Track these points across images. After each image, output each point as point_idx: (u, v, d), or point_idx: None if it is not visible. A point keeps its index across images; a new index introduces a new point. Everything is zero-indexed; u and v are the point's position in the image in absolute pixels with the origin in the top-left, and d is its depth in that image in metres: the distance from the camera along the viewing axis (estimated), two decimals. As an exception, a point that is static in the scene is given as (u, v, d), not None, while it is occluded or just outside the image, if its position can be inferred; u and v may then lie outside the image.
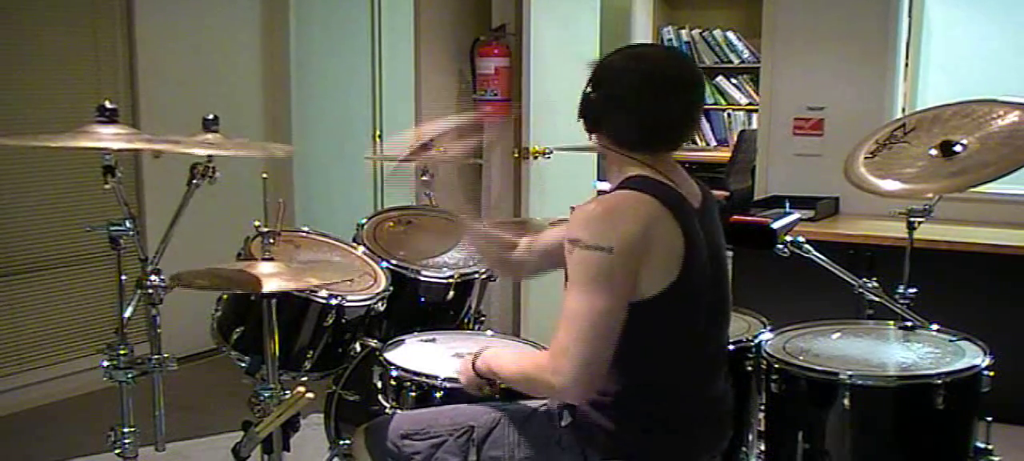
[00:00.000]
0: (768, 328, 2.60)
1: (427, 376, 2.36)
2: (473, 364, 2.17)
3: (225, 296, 2.66)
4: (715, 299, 2.06)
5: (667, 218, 1.90)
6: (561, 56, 4.63)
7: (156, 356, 2.37)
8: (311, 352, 2.64)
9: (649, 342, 1.95)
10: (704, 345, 2.07)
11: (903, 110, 4.63)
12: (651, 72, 2.00)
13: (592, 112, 2.02)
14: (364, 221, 3.09)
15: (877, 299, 2.64)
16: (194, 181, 2.45)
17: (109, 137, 2.21)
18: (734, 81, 6.94)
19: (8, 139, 2.24)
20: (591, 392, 1.93)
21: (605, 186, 2.11)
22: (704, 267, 1.97)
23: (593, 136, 2.05)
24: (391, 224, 3.17)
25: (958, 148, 2.60)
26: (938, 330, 2.55)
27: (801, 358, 2.39)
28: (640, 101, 1.98)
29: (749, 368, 2.50)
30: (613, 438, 1.98)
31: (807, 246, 2.66)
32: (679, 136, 2.05)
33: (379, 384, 2.45)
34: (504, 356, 2.13)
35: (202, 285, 2.24)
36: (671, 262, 1.90)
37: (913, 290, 2.68)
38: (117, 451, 2.39)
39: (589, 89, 2.01)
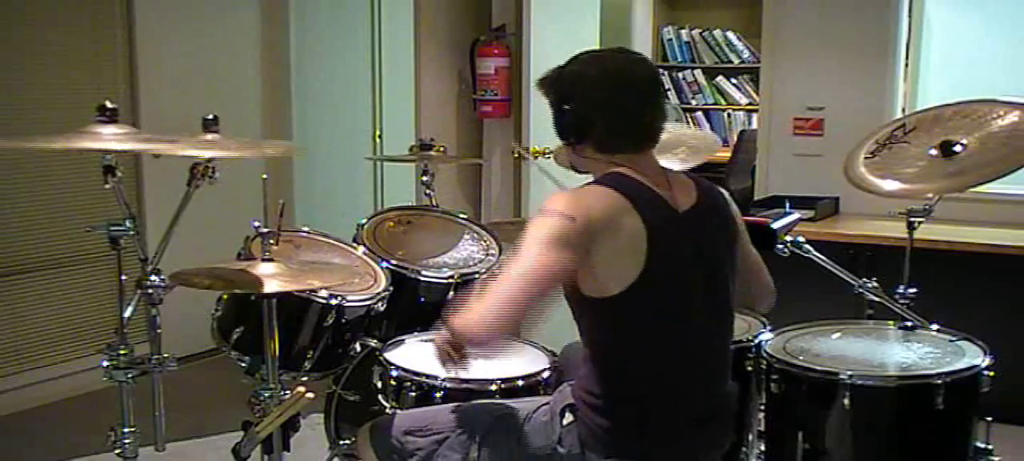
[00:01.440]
0: (768, 328, 2.60)
1: (427, 376, 2.36)
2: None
3: (225, 296, 2.66)
4: (712, 297, 2.06)
5: (631, 212, 1.92)
6: (561, 56, 4.61)
7: (156, 356, 2.37)
8: (311, 352, 2.64)
9: (628, 342, 1.98)
10: (700, 343, 2.07)
11: (903, 110, 4.62)
12: (618, 71, 2.05)
13: (573, 126, 2.04)
14: (364, 221, 3.09)
15: (877, 299, 2.64)
16: (194, 181, 2.45)
17: (109, 137, 2.21)
18: (734, 81, 6.94)
19: (7, 142, 2.24)
20: (481, 337, 1.94)
21: None
22: (682, 266, 1.98)
23: (576, 150, 2.07)
24: (391, 224, 3.17)
25: (958, 148, 2.60)
26: (938, 330, 2.55)
27: (801, 358, 2.39)
28: (616, 101, 2.02)
29: (749, 368, 2.50)
30: (613, 438, 1.98)
31: (807, 246, 2.66)
32: (657, 130, 2.07)
33: (379, 384, 2.46)
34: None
35: (202, 284, 2.24)
36: (635, 257, 1.92)
37: (913, 290, 2.68)
38: (117, 451, 2.39)
39: (563, 105, 2.03)
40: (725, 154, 6.38)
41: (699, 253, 2.03)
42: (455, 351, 2.09)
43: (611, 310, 1.93)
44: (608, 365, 1.99)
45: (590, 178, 2.07)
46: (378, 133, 5.93)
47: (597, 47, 5.09)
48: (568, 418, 2.04)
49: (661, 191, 2.00)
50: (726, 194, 2.18)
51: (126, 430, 2.38)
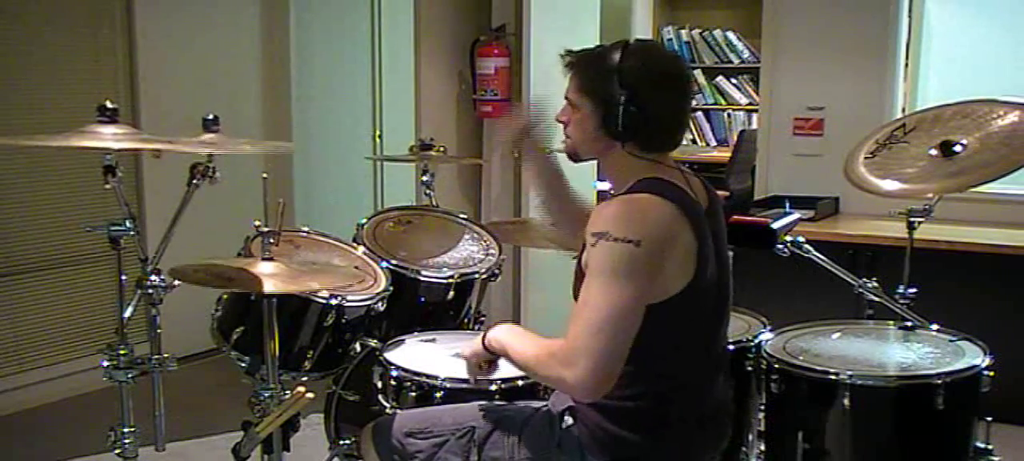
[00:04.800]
0: (768, 328, 2.60)
1: (427, 376, 2.36)
2: (483, 337, 2.13)
3: (225, 296, 2.66)
4: (719, 300, 2.07)
5: (683, 219, 1.90)
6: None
7: (156, 356, 2.37)
8: (311, 352, 2.64)
9: (662, 344, 1.95)
10: (707, 343, 2.07)
11: (903, 110, 4.62)
12: (674, 70, 2.01)
13: (630, 124, 1.94)
14: (364, 221, 3.09)
15: (877, 299, 2.64)
16: (194, 181, 2.45)
17: (109, 137, 2.21)
18: (734, 81, 6.94)
19: (6, 139, 2.23)
20: (603, 389, 1.87)
21: (604, 186, 2.10)
22: (712, 268, 1.98)
23: (625, 146, 1.98)
24: (391, 224, 3.17)
25: (958, 148, 2.60)
26: (938, 330, 2.55)
27: (801, 358, 2.39)
28: (672, 100, 1.99)
29: (749, 368, 2.50)
30: (614, 440, 1.98)
31: (807, 246, 2.66)
32: (683, 132, 2.06)
33: (379, 384, 2.45)
34: (518, 334, 2.06)
35: (201, 279, 2.23)
36: (688, 263, 1.90)
37: (913, 290, 2.68)
38: (117, 451, 2.39)
39: (625, 99, 1.93)
40: (725, 154, 6.39)
41: (718, 253, 2.03)
42: (487, 364, 2.12)
43: (651, 316, 1.89)
44: (625, 367, 1.97)
45: (585, 169, 2.06)
46: (378, 133, 5.93)
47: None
48: (568, 420, 2.04)
49: (690, 192, 1.99)
50: (715, 193, 2.17)
51: (126, 430, 2.38)
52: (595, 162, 2.14)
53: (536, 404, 2.15)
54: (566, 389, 1.93)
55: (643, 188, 1.92)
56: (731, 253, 2.13)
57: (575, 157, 2.09)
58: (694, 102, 7.03)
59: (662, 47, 2.11)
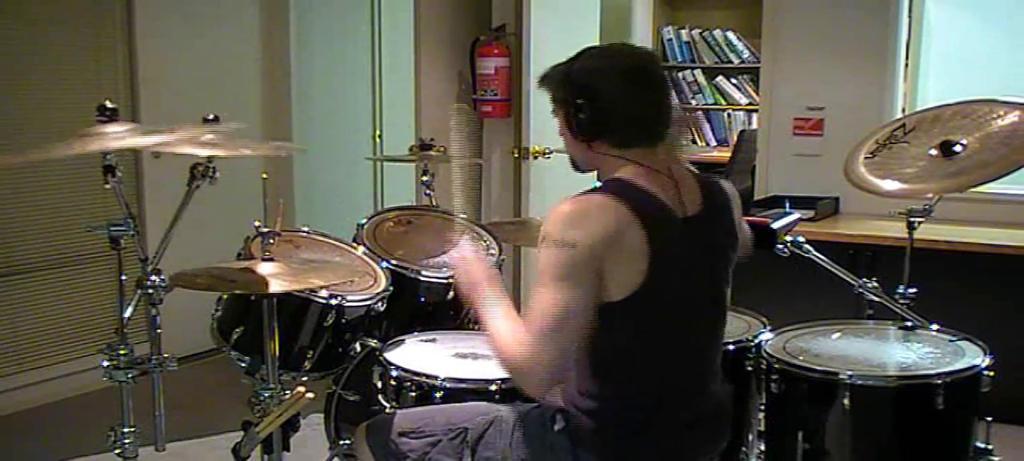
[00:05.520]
0: (768, 328, 2.60)
1: (427, 376, 2.36)
2: (480, 282, 2.12)
3: (225, 296, 2.66)
4: (708, 300, 2.06)
5: (634, 224, 1.89)
6: (561, 56, 4.61)
7: (156, 356, 2.37)
8: (311, 352, 2.64)
9: (624, 345, 1.97)
10: (694, 346, 2.07)
11: (903, 110, 4.62)
12: (632, 65, 2.02)
13: (589, 123, 1.99)
14: (364, 221, 3.09)
15: (877, 299, 2.64)
16: (194, 181, 2.45)
17: (108, 137, 2.21)
18: (734, 81, 6.93)
19: (8, 157, 2.21)
20: (552, 387, 1.97)
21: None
22: (682, 273, 1.97)
23: (592, 147, 2.02)
24: (391, 224, 3.17)
25: (958, 148, 2.60)
26: (938, 330, 2.55)
27: (801, 358, 2.39)
28: (632, 95, 1.99)
29: (749, 368, 2.50)
30: (605, 442, 1.98)
31: (807, 246, 2.66)
32: (669, 122, 2.06)
33: (379, 384, 2.45)
34: (494, 308, 2.05)
35: (202, 285, 2.24)
36: (636, 267, 1.90)
37: (913, 290, 2.68)
38: (117, 451, 2.39)
39: (579, 100, 1.98)
40: (725, 154, 6.39)
41: (700, 259, 2.02)
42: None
43: (610, 315, 1.92)
44: (602, 367, 1.98)
45: (591, 177, 2.06)
46: (378, 133, 5.93)
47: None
48: (559, 421, 2.04)
49: (666, 197, 1.98)
50: (730, 190, 2.16)
51: (126, 430, 2.38)
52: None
53: (529, 405, 2.15)
54: (520, 383, 1.96)
55: (602, 189, 1.96)
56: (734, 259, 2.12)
57: (575, 167, 2.14)
58: (694, 102, 7.04)
59: (626, 45, 2.10)
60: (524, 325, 1.91)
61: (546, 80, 2.08)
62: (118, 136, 2.20)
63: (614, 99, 1.98)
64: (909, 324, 2.58)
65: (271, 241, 2.41)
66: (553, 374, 1.90)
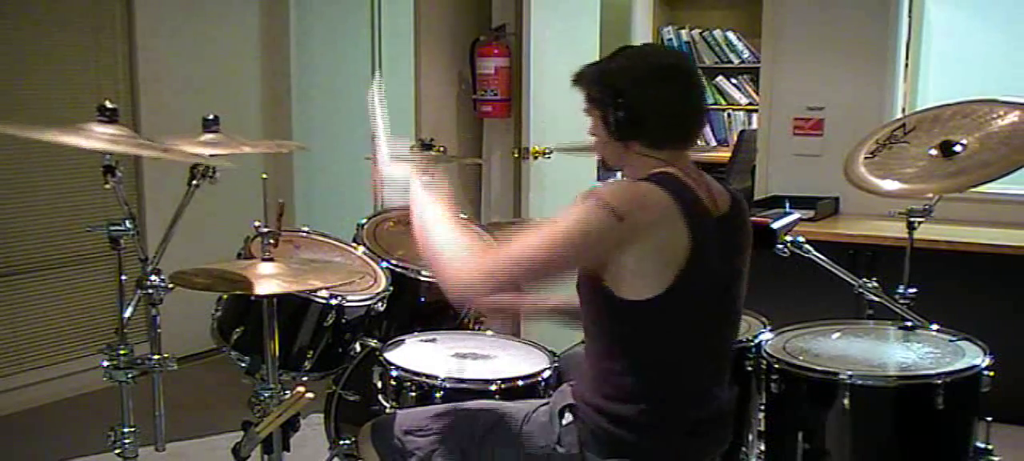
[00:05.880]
0: (768, 328, 2.60)
1: (427, 376, 2.36)
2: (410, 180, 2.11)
3: (225, 296, 2.66)
4: (727, 305, 2.07)
5: (678, 219, 1.90)
6: (561, 56, 4.63)
7: (156, 356, 2.37)
8: (311, 352, 2.64)
9: (651, 343, 1.96)
10: (710, 348, 2.08)
11: (903, 110, 4.62)
12: (667, 65, 2.03)
13: (626, 122, 1.97)
14: (364, 221, 3.09)
15: (877, 299, 2.64)
16: (194, 181, 2.45)
17: (107, 138, 2.21)
18: (734, 81, 6.94)
19: (7, 127, 2.20)
20: (472, 295, 1.94)
21: None
22: (712, 273, 1.98)
23: (628, 147, 2.01)
24: (391, 224, 3.17)
25: (958, 148, 2.60)
26: (938, 330, 2.55)
27: (801, 358, 2.39)
28: (669, 95, 1.99)
29: (749, 368, 2.50)
30: (612, 439, 1.98)
31: (807, 246, 2.66)
32: (700, 123, 2.08)
33: (379, 384, 2.46)
34: (442, 221, 2.01)
35: (202, 285, 2.24)
36: (672, 262, 1.90)
37: (913, 290, 2.68)
38: (117, 451, 2.39)
39: (619, 100, 1.96)
40: (725, 154, 6.39)
41: (725, 261, 2.03)
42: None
43: (636, 313, 1.91)
44: (620, 366, 1.97)
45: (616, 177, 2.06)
46: (378, 133, 5.91)
47: (597, 47, 5.10)
48: (567, 418, 2.04)
49: (701, 195, 1.99)
50: (739, 195, 2.17)
51: (126, 430, 2.38)
52: (594, 163, 2.16)
53: (535, 403, 2.15)
54: (447, 277, 1.92)
55: (648, 178, 1.96)
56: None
57: (604, 165, 2.14)
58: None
59: (660, 46, 2.14)
60: (502, 243, 1.90)
61: (581, 79, 2.05)
62: (113, 138, 2.20)
63: (653, 99, 1.98)
64: (909, 324, 2.58)
65: (271, 241, 2.40)
66: (492, 279, 1.86)
